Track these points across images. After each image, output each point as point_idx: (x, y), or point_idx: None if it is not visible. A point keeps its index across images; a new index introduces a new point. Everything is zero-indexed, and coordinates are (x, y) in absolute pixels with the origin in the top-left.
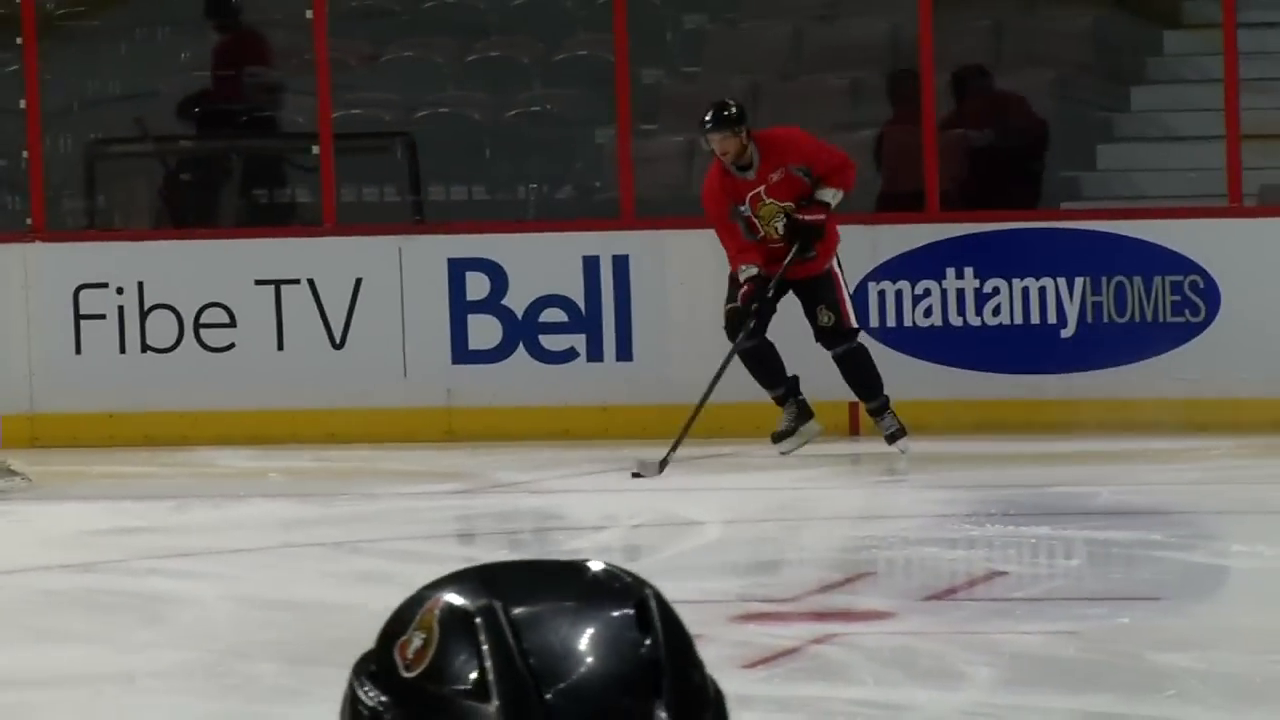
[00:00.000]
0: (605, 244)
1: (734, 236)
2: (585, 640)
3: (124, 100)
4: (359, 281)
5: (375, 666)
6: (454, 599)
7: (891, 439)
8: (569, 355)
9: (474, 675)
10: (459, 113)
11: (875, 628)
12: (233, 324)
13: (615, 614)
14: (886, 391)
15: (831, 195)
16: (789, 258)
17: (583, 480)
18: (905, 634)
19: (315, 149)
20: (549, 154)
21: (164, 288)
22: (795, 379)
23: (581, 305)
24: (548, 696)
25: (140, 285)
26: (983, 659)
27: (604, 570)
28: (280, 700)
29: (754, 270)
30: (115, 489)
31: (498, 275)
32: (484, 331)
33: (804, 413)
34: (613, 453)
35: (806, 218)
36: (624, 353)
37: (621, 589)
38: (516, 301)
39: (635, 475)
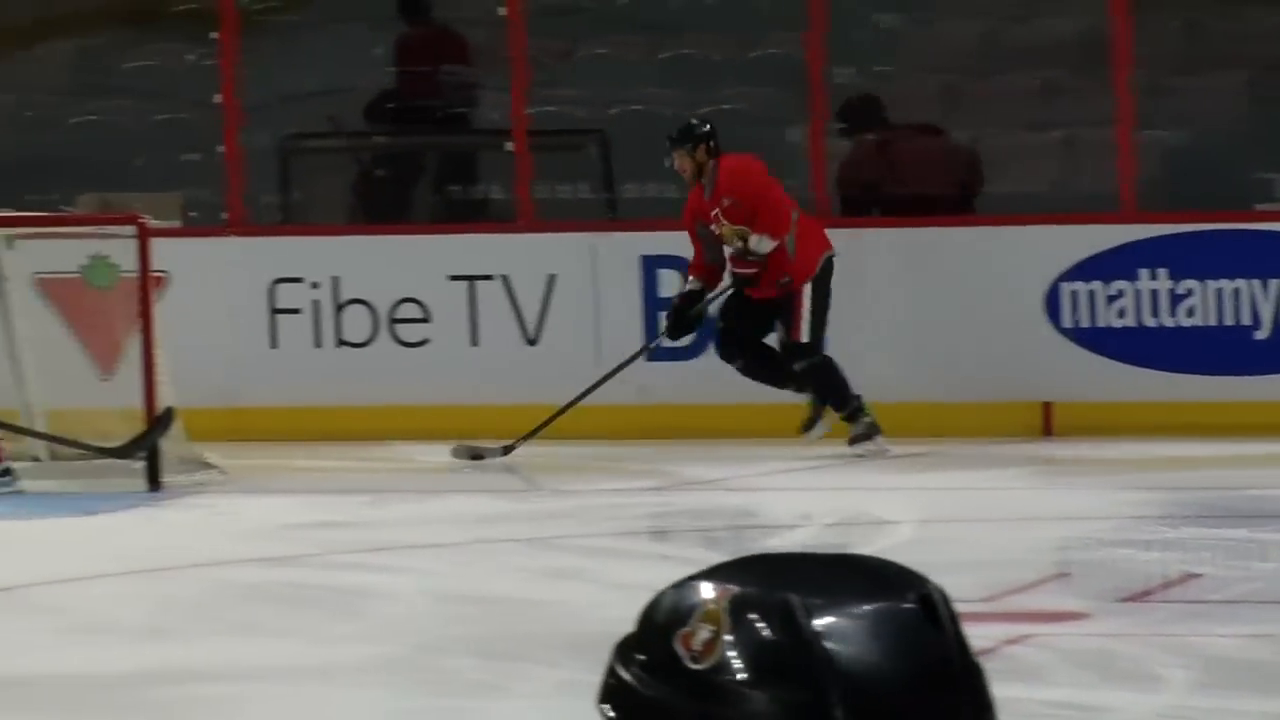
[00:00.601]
0: None
1: (696, 252)
2: (877, 632)
3: (319, 96)
4: (552, 278)
5: (650, 658)
6: (742, 590)
7: (852, 441)
8: None
9: (771, 667)
10: (652, 110)
11: (1070, 629)
12: (427, 319)
13: (903, 606)
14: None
15: (755, 241)
16: (717, 291)
17: (776, 478)
18: (1100, 636)
19: (509, 146)
20: (741, 152)
21: (359, 283)
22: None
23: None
24: (845, 689)
25: (336, 280)
26: (1179, 661)
27: (881, 563)
28: (476, 695)
29: (696, 285)
30: (312, 483)
31: None
32: None
33: (873, 427)
34: (807, 451)
35: (739, 270)
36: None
37: (904, 581)
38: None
39: (475, 458)
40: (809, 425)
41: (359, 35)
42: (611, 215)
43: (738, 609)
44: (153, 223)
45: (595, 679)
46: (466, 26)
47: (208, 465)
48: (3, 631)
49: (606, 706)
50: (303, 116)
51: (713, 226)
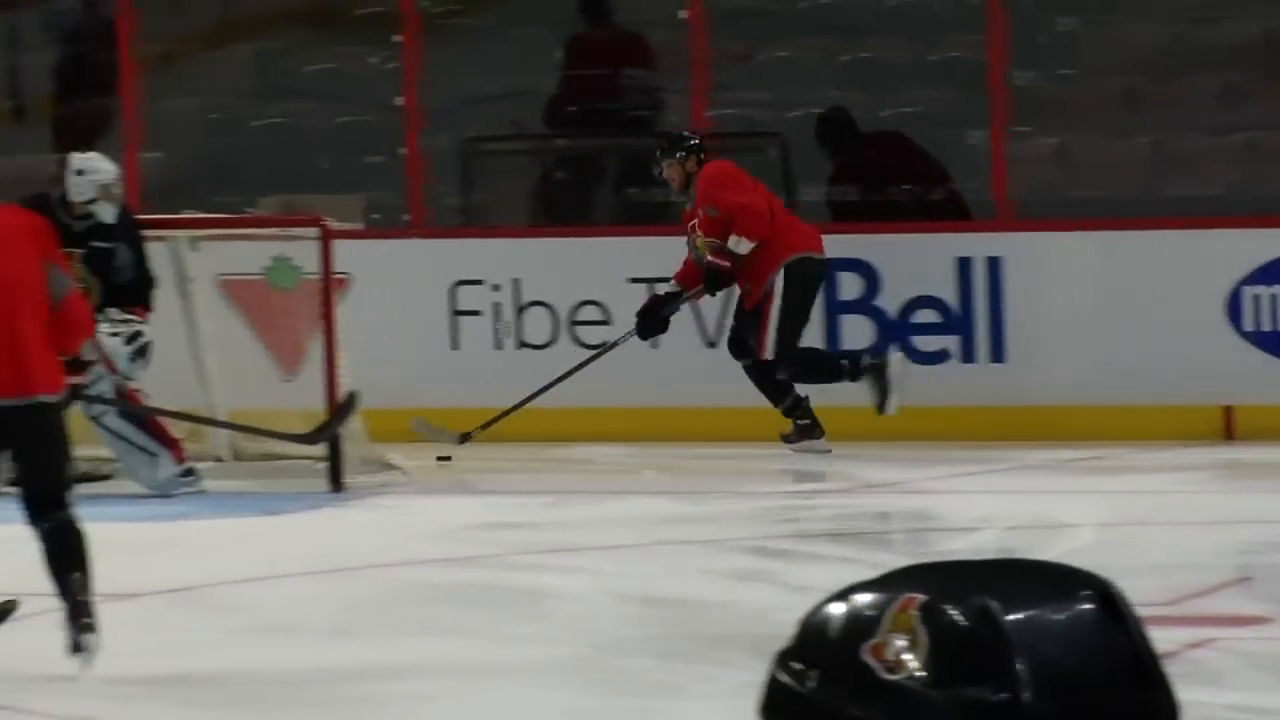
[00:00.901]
0: (979, 245)
1: (686, 260)
2: (1069, 634)
3: (500, 99)
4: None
5: (831, 670)
6: (932, 597)
7: (786, 439)
8: (941, 356)
9: (972, 672)
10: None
11: (1253, 633)
12: (608, 322)
13: (1086, 606)
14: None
15: (733, 242)
16: (690, 294)
17: (955, 481)
18: None
19: None
20: (922, 154)
21: (540, 285)
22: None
23: (954, 307)
24: (1044, 690)
25: (516, 282)
26: None
27: (1056, 565)
28: (656, 695)
29: (674, 288)
30: (492, 484)
31: (870, 276)
32: (856, 331)
33: (814, 427)
34: (986, 454)
35: (710, 259)
36: (997, 355)
37: (1081, 582)
38: (889, 302)
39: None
40: (879, 408)
41: (540, 38)
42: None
43: (932, 617)
44: (335, 225)
45: None
46: (648, 29)
47: (390, 466)
48: (186, 630)
49: (768, 717)
50: (484, 119)
51: (692, 236)
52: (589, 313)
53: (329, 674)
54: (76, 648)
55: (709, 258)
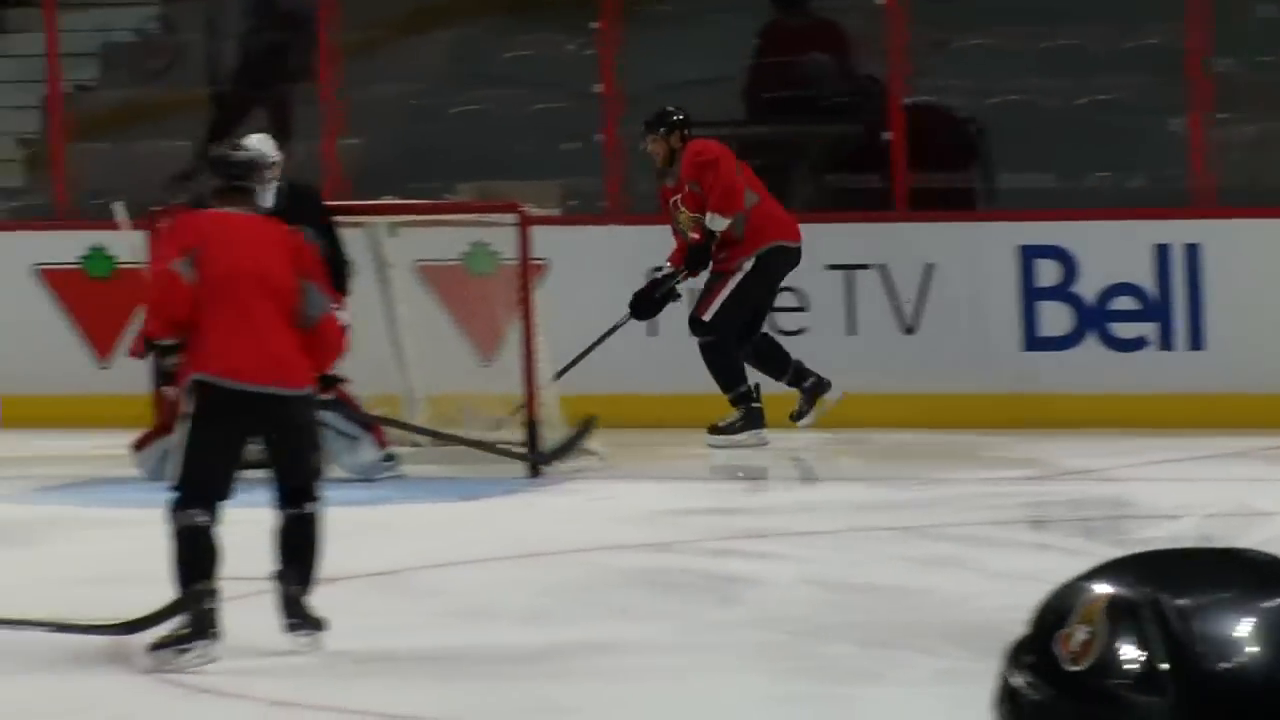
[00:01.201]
0: (1177, 232)
1: (678, 242)
2: (1255, 630)
3: (698, 85)
4: (930, 267)
5: (1034, 659)
6: (1117, 590)
7: (714, 429)
8: (1139, 343)
9: (1144, 669)
10: (1031, 100)
11: None
12: (805, 308)
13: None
14: None
15: (709, 219)
16: (675, 272)
17: (1153, 469)
18: None
19: (887, 135)
20: (1120, 142)
21: None
22: (750, 389)
23: (1153, 293)
24: (1220, 688)
25: None
26: None
27: (1265, 558)
28: (854, 682)
29: (669, 270)
30: (690, 469)
31: (1068, 262)
32: (1055, 318)
33: (753, 418)
34: (1183, 441)
35: (692, 235)
36: (1196, 342)
37: None
38: (1087, 289)
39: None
40: (799, 415)
41: (738, 24)
42: (989, 205)
43: (1114, 611)
44: (533, 211)
45: (973, 667)
46: (845, 15)
47: (588, 451)
48: (386, 614)
49: (999, 711)
50: (686, 105)
51: (675, 212)
52: (785, 299)
53: (526, 657)
54: (296, 632)
55: (692, 235)
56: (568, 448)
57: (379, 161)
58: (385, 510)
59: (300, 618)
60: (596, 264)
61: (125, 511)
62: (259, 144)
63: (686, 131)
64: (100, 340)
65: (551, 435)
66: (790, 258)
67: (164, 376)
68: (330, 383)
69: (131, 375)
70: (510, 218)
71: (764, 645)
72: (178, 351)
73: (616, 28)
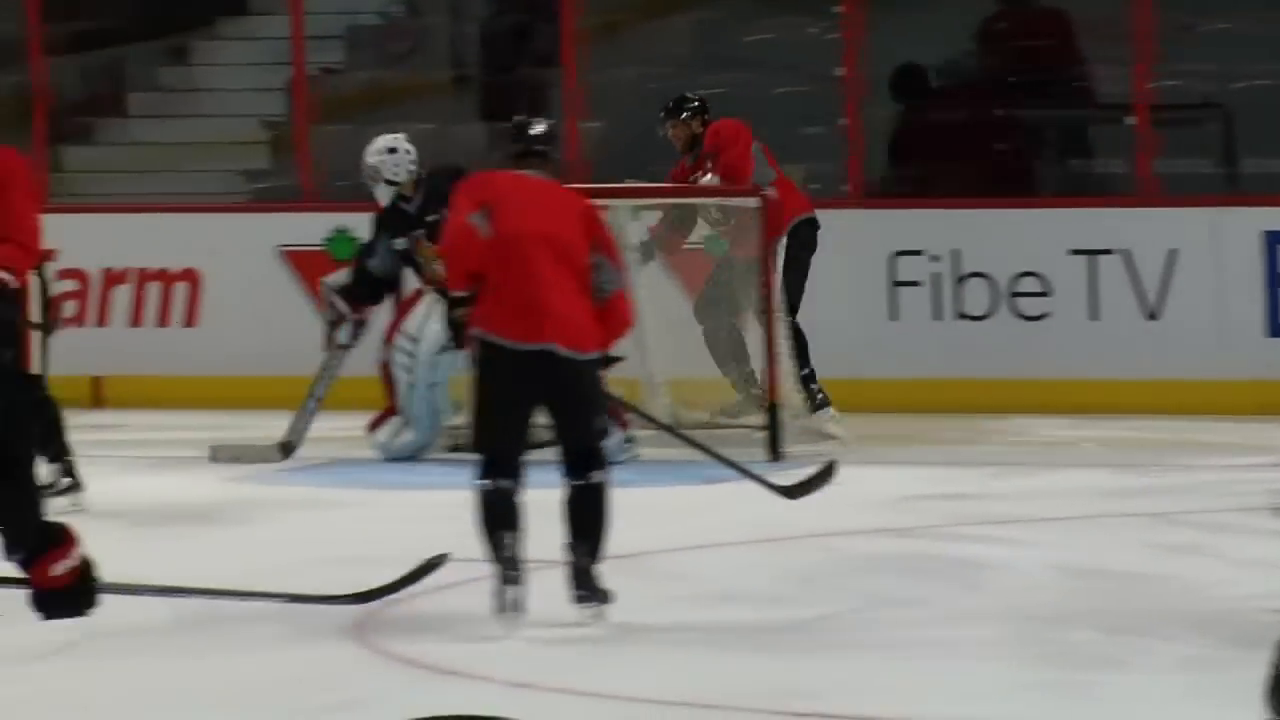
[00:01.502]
0: None
1: None
2: None
3: (945, 69)
4: (1173, 253)
5: None
6: None
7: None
8: None
9: None
10: (1277, 85)
11: None
12: (1048, 293)
13: None
14: None
15: (707, 179)
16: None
17: None
18: None
19: (1130, 120)
20: None
21: (979, 256)
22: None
23: None
24: None
25: (956, 253)
26: None
27: None
28: (1098, 668)
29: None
30: (932, 455)
31: None
32: None
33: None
34: None
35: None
36: None
37: None
38: None
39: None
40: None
41: (979, 6)
42: (1233, 190)
43: None
44: (773, 195)
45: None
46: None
47: (828, 435)
48: (627, 597)
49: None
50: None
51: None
52: (1028, 284)
53: (768, 641)
54: (583, 604)
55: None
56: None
57: (621, 145)
58: (626, 494)
59: (588, 589)
60: (837, 247)
61: (364, 492)
62: (405, 140)
63: (706, 116)
64: None
65: (791, 421)
66: (815, 229)
67: (455, 329)
68: (608, 362)
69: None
70: (751, 201)
71: (1008, 632)
72: (467, 304)
73: (859, 10)
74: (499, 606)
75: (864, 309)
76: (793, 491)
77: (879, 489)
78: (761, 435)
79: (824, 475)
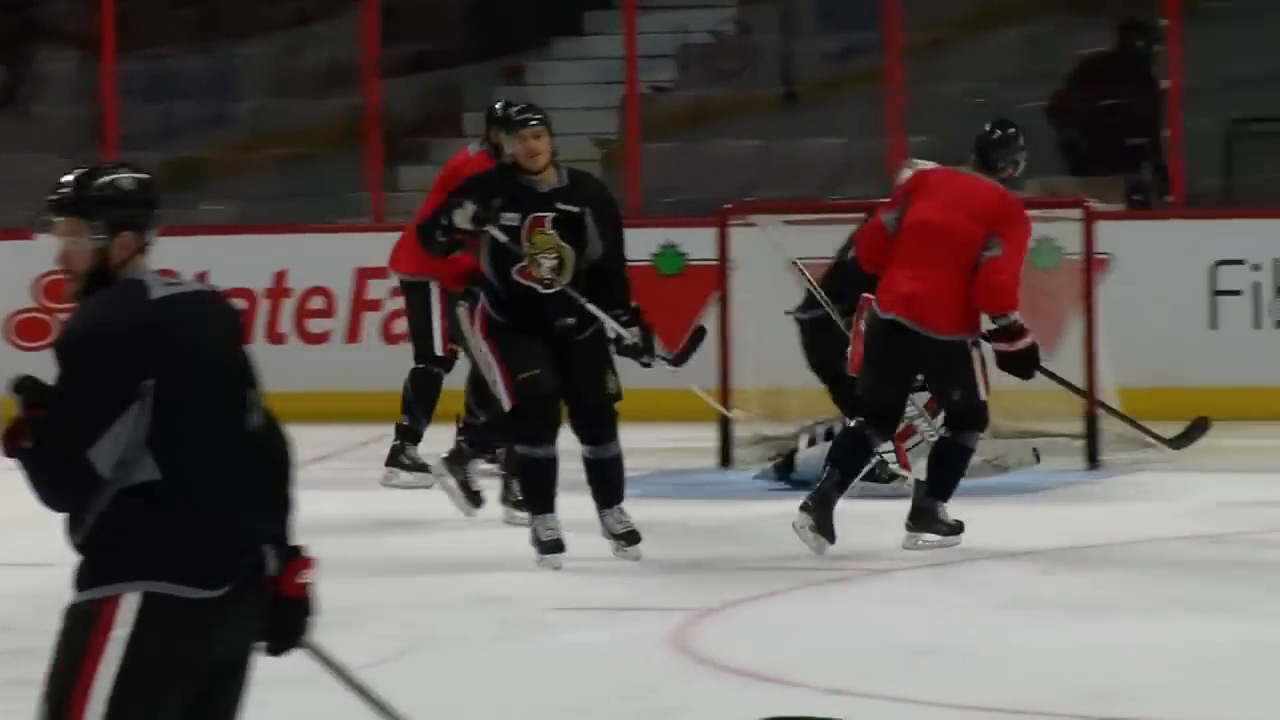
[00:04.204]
0: None
1: None
2: None
3: (1264, 80)
4: None
5: None
6: None
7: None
8: None
9: None
10: None
11: None
12: None
13: None
14: None
15: None
16: None
17: None
18: None
19: None
20: None
21: None
22: None
23: None
24: None
25: (1277, 263)
26: None
27: None
28: None
29: None
30: (1250, 462)
31: None
32: None
33: None
34: None
35: None
36: None
37: None
38: None
39: None
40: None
41: None
42: None
43: None
44: (1097, 206)
45: None
46: None
47: (1148, 443)
48: (938, 604)
49: None
50: (1248, 100)
51: None
52: None
53: (1078, 647)
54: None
55: None
56: (1188, 436)
57: (946, 158)
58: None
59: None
60: (1159, 258)
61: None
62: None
63: None
64: (668, 337)
65: (1110, 428)
66: None
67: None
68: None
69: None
70: (1075, 213)
71: None
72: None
73: (1181, 23)
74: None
75: (1183, 318)
76: (1175, 443)
77: (1195, 495)
78: (1080, 443)
79: (1199, 428)
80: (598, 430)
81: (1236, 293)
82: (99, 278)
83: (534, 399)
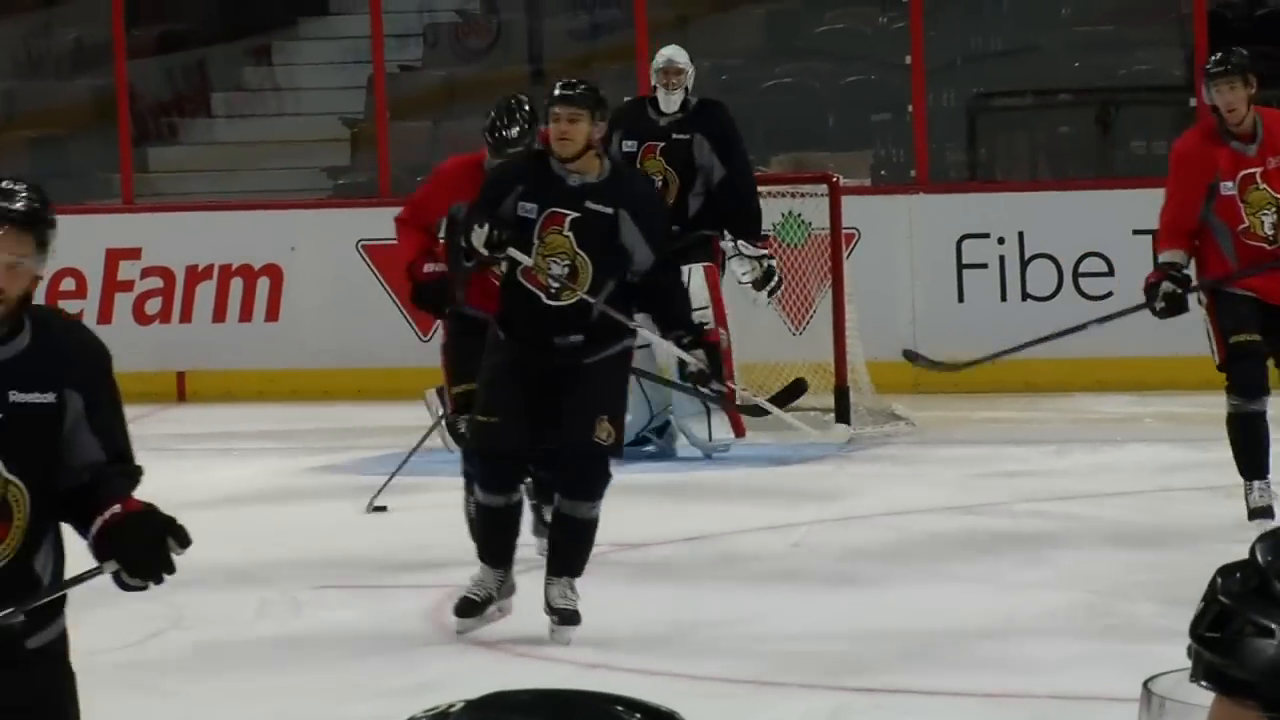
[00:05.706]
0: None
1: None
2: None
3: (1003, 56)
4: None
5: None
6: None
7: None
8: None
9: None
10: None
11: None
12: (1111, 273)
13: None
14: None
15: None
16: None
17: None
18: None
19: (1193, 102)
20: None
21: (1044, 238)
22: None
23: None
24: None
25: (1020, 235)
26: None
27: None
28: (1159, 640)
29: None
30: (995, 434)
31: None
32: None
33: None
34: None
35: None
36: None
37: None
38: None
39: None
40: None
41: None
42: None
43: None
44: (843, 181)
45: None
46: None
47: (896, 417)
48: (696, 578)
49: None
50: (989, 76)
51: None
52: (1093, 264)
53: (834, 618)
54: None
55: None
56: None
57: None
58: (697, 475)
59: None
60: (905, 233)
61: None
62: (672, 52)
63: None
64: (422, 321)
65: (861, 401)
66: None
67: None
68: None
69: None
70: (821, 188)
71: (1069, 605)
72: None
73: (925, 0)
74: None
75: (930, 292)
76: (777, 400)
77: (944, 468)
78: (830, 418)
79: (794, 390)
80: (574, 482)
81: (982, 266)
82: None
83: (485, 450)
